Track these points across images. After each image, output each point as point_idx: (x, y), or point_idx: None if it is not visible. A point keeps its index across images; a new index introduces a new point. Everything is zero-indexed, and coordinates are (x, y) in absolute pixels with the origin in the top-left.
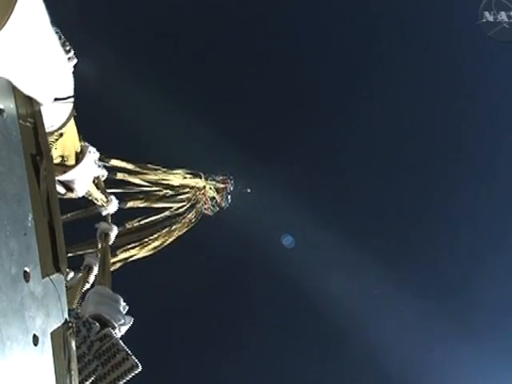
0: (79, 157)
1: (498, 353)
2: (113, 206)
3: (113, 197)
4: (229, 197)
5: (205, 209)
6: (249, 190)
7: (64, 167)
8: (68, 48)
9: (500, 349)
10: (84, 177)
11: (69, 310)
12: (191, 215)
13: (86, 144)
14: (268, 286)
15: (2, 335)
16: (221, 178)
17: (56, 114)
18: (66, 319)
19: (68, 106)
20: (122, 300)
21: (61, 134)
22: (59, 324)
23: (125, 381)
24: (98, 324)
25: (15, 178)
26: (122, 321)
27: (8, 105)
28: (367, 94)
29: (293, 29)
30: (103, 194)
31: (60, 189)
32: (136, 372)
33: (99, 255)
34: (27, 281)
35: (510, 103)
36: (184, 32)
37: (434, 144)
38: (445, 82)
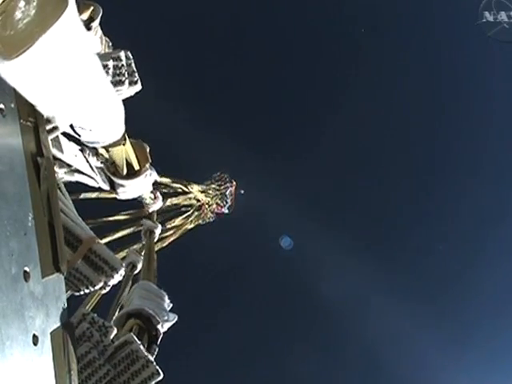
0: (136, 173)
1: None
2: (158, 204)
3: (159, 195)
4: (229, 202)
5: (208, 217)
6: (242, 192)
7: (118, 173)
8: (120, 78)
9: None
10: (133, 189)
11: (84, 315)
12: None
13: (149, 167)
14: (266, 286)
15: (2, 335)
16: (222, 185)
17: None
18: (66, 319)
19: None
20: (166, 297)
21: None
22: (59, 324)
23: None
24: (115, 328)
25: (15, 177)
26: (166, 317)
27: (8, 104)
28: (368, 95)
29: (306, 35)
30: (152, 192)
31: (104, 185)
32: (157, 379)
33: (142, 252)
34: (27, 281)
35: (510, 103)
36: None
37: (434, 144)
38: (444, 82)
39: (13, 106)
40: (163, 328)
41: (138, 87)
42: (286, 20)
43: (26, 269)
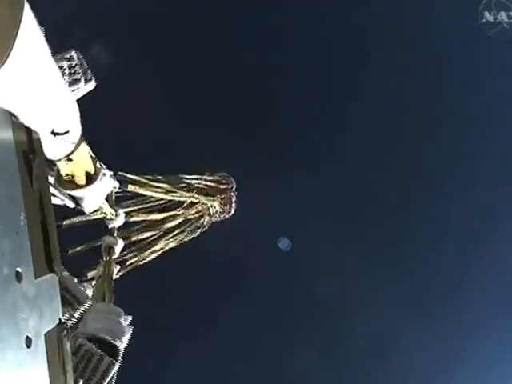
0: (92, 177)
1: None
2: (120, 220)
3: (121, 210)
4: (233, 205)
5: (208, 221)
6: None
7: (73, 184)
8: (76, 77)
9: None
10: (94, 197)
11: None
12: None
13: (101, 166)
14: (265, 288)
15: None
16: (223, 186)
17: (57, 146)
18: (60, 320)
19: (71, 139)
20: (122, 313)
21: (69, 159)
22: (53, 325)
23: (108, 379)
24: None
25: (7, 176)
26: (122, 332)
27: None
28: (367, 95)
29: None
30: (112, 207)
31: (69, 203)
32: (115, 368)
33: (102, 269)
34: (20, 281)
35: (510, 103)
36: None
37: (434, 144)
38: (444, 82)
39: None
40: (122, 343)
41: (93, 84)
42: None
43: (19, 269)
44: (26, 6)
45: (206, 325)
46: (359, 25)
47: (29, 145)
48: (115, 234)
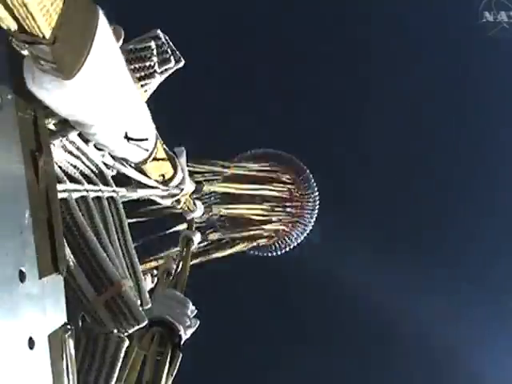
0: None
1: None
2: (198, 212)
3: (199, 203)
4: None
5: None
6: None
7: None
8: (166, 56)
9: None
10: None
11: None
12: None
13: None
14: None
15: None
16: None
17: (131, 151)
18: (64, 321)
19: (144, 146)
20: (190, 303)
21: (155, 159)
22: (57, 326)
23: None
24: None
25: (12, 173)
26: (188, 323)
27: (5, 95)
28: (367, 94)
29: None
30: (191, 200)
31: (167, 202)
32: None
33: (177, 260)
34: (23, 281)
35: (510, 103)
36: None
37: (434, 143)
38: (444, 82)
39: (10, 97)
40: (186, 334)
41: (182, 63)
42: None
43: (22, 269)
44: (101, 14)
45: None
46: (359, 25)
47: (36, 141)
48: (193, 226)
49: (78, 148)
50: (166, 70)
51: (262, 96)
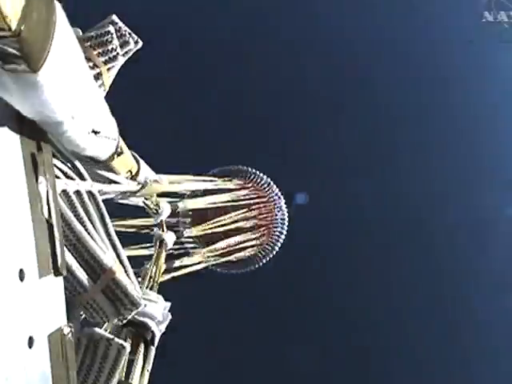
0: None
1: None
2: (165, 213)
3: (165, 204)
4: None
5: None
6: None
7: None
8: (125, 39)
9: None
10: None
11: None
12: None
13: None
14: None
15: None
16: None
17: (101, 145)
18: (64, 321)
19: (111, 135)
20: (161, 299)
21: (119, 154)
22: (56, 326)
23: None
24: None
25: (12, 174)
26: (161, 319)
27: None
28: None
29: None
30: (156, 202)
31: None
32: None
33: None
34: (22, 280)
35: (510, 103)
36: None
37: (431, 142)
38: (444, 83)
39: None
40: (159, 329)
41: (140, 44)
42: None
43: (22, 268)
44: (59, 5)
45: None
46: (363, 30)
47: (35, 143)
48: (164, 227)
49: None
50: (126, 52)
51: None
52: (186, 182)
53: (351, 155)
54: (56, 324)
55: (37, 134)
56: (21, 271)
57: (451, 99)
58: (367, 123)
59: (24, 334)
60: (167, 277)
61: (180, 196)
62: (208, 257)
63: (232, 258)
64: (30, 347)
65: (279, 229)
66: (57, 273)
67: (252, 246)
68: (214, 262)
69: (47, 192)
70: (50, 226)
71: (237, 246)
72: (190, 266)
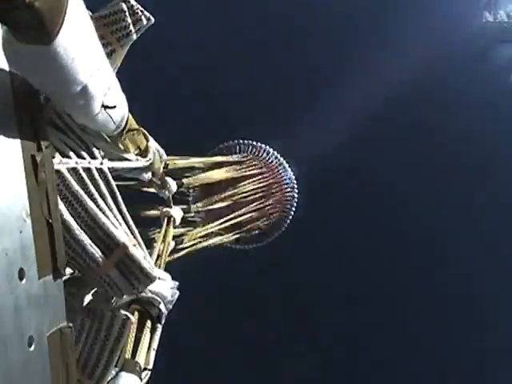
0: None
1: None
2: (171, 189)
3: (169, 179)
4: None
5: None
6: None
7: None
8: (137, 17)
9: None
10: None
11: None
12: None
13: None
14: None
15: None
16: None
17: (108, 120)
18: (65, 321)
19: (120, 112)
20: (169, 277)
21: (129, 130)
22: (56, 326)
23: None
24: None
25: (11, 171)
26: (169, 297)
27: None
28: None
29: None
30: (162, 179)
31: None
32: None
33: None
34: (22, 280)
35: (510, 102)
36: None
37: (433, 142)
38: (444, 82)
39: (10, 94)
40: (167, 307)
41: (152, 20)
42: None
43: (22, 268)
44: None
45: None
46: (363, 30)
47: (35, 143)
48: (171, 203)
49: (65, 123)
50: (139, 29)
51: None
52: (191, 159)
53: None
54: (56, 324)
55: (37, 134)
56: (20, 271)
57: (451, 99)
58: None
59: (23, 333)
60: (177, 255)
61: (185, 177)
62: (218, 233)
63: (244, 230)
64: (30, 347)
65: (290, 193)
66: (57, 271)
67: (263, 217)
68: (226, 240)
69: (47, 192)
70: (50, 226)
71: (247, 217)
72: (199, 243)
